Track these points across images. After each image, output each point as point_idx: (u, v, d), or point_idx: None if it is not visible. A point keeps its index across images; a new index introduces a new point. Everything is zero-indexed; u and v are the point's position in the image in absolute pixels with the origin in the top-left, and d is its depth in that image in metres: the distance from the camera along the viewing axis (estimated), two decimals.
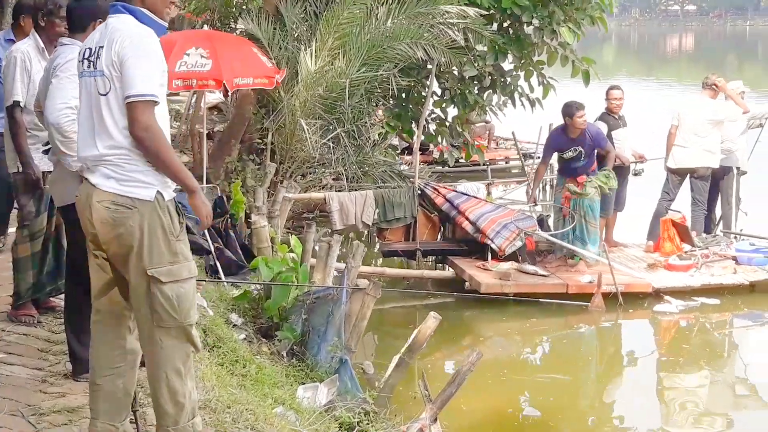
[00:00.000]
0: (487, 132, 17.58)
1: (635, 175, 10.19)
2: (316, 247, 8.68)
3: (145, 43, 3.58)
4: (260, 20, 11.35)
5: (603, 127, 10.05)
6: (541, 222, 10.01)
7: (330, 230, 10.04)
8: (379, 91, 11.64)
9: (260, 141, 11.78)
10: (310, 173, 11.50)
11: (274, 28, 11.28)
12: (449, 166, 15.13)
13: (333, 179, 11.54)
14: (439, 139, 14.35)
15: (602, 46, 67.75)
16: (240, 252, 8.51)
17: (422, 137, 13.24)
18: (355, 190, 11.05)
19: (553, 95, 13.51)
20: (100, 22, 4.08)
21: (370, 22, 11.34)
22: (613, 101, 10.27)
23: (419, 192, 10.24)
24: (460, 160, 15.49)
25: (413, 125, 14.02)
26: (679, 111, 10.33)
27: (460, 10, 11.39)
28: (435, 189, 10.22)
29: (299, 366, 6.42)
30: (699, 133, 10.12)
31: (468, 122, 15.58)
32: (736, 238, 10.21)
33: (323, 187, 11.82)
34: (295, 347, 6.84)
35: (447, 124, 14.20)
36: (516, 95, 13.79)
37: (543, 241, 9.86)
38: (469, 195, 10.22)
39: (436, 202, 10.14)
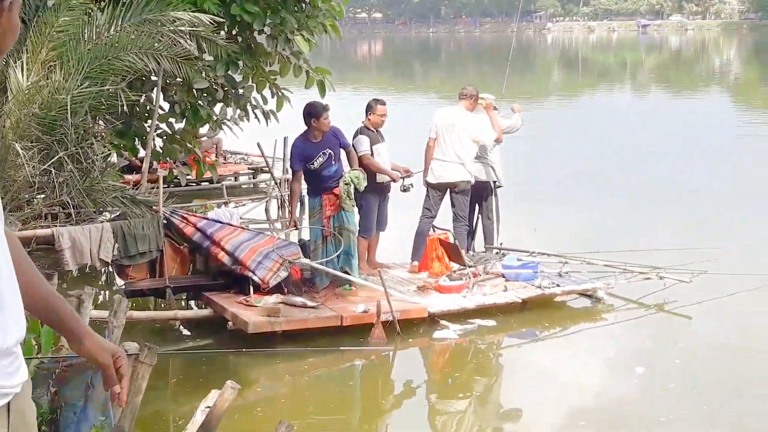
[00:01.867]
0: (215, 146, 16.47)
1: (404, 191, 9.61)
2: None
3: None
4: None
5: (365, 143, 9.42)
6: (304, 247, 9.15)
7: (63, 269, 8.63)
8: (104, 107, 10.24)
9: None
10: (28, 204, 9.90)
11: None
12: (181, 186, 13.96)
13: (61, 209, 10.02)
14: (167, 156, 13.22)
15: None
16: None
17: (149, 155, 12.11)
18: (84, 220, 9.64)
19: (288, 107, 12.83)
20: None
21: (90, 30, 9.97)
22: (381, 116, 9.61)
23: (164, 221, 9.06)
24: (187, 178, 14.39)
25: (137, 142, 12.82)
26: (436, 123, 9.89)
27: (192, 16, 10.31)
28: (183, 218, 9.07)
29: None
30: (458, 147, 9.75)
31: (198, 137, 14.51)
32: (500, 254, 9.94)
33: (44, 218, 10.26)
34: (43, 429, 5.51)
35: (176, 139, 13.08)
36: (249, 107, 12.97)
37: (308, 269, 9.03)
38: (222, 222, 9.17)
39: (185, 232, 9.00)
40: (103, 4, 10.85)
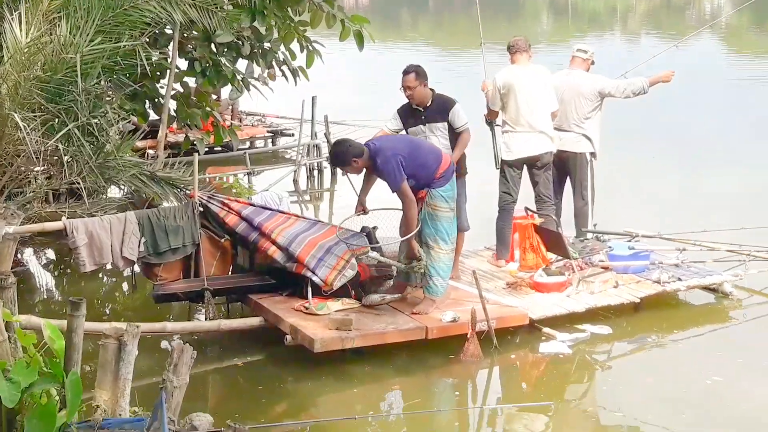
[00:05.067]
0: (230, 108, 14.72)
1: None
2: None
3: None
4: None
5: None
6: (369, 237, 7.51)
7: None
8: (119, 68, 8.52)
9: None
10: (29, 186, 8.23)
11: None
12: (199, 154, 12.24)
13: (67, 194, 8.40)
14: (185, 121, 11.54)
15: None
16: None
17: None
18: (102, 208, 8.02)
19: (319, 63, 11.15)
20: None
21: None
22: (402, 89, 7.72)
23: (201, 209, 7.41)
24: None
25: (147, 106, 11.14)
26: (504, 84, 8.09)
27: None
28: (224, 204, 7.42)
29: None
30: (538, 113, 8.06)
31: (217, 99, 12.83)
32: (598, 238, 8.31)
33: (49, 203, 8.60)
34: None
35: (192, 101, 11.39)
36: (275, 64, 11.28)
37: (375, 264, 7.41)
38: (271, 209, 7.52)
39: (227, 222, 7.37)
40: None
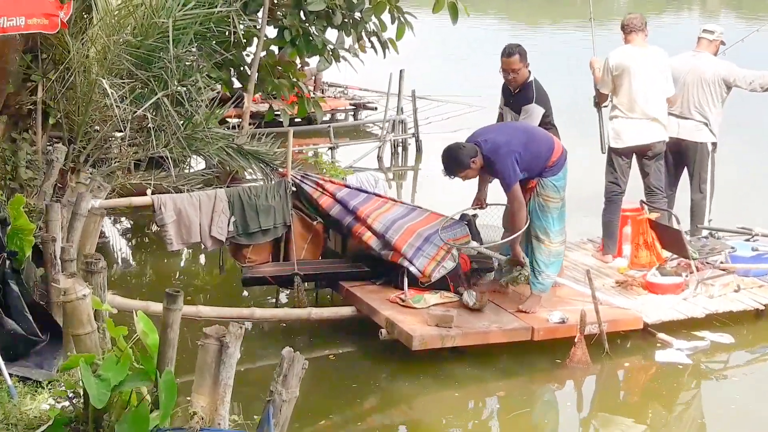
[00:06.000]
0: (313, 78, 14.26)
1: None
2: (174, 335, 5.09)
3: None
4: None
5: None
6: (469, 225, 7.01)
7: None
8: (211, 35, 8.13)
9: (35, 108, 7.92)
10: (116, 158, 7.89)
11: None
12: (281, 126, 11.83)
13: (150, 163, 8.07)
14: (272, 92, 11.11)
15: None
16: (30, 318, 5.02)
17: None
18: (189, 181, 7.68)
19: (410, 36, 10.60)
20: None
21: None
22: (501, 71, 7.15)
23: (293, 189, 7.00)
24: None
25: (232, 74, 10.75)
26: (617, 65, 7.47)
27: None
28: (318, 184, 6.99)
29: None
30: (653, 98, 7.44)
31: (301, 69, 12.34)
32: (712, 235, 7.69)
33: (131, 172, 8.28)
34: None
35: (277, 71, 10.94)
36: (365, 35, 10.77)
37: (475, 255, 6.92)
38: (367, 191, 7.07)
39: (320, 204, 6.94)
40: None
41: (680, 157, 7.84)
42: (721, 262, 7.11)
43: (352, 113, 15.08)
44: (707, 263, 7.14)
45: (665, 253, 7.19)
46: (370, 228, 6.73)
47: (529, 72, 6.98)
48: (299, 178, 7.01)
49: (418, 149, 12.81)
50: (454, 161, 6.20)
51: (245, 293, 7.38)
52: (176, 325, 4.16)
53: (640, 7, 39.80)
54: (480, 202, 6.65)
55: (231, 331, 3.85)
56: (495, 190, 6.65)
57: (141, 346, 4.29)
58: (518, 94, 6.97)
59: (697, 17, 38.03)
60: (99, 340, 4.56)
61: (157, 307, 6.22)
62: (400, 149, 12.96)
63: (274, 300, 7.28)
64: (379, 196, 7.04)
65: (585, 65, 8.00)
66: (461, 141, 6.35)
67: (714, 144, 7.77)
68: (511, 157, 6.09)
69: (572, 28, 26.65)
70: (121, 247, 9.29)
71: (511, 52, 6.95)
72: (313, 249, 7.04)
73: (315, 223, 7.00)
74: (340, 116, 15.05)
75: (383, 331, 6.24)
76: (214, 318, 6.40)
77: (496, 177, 6.29)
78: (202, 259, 8.64)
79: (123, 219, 9.72)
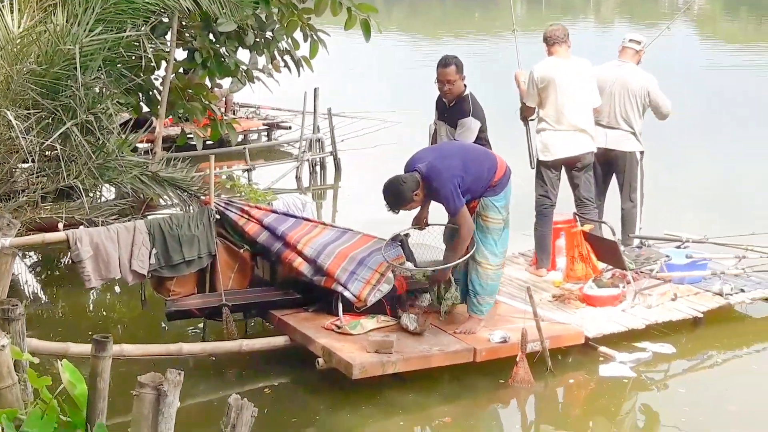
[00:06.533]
0: (224, 99, 13.90)
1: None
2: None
3: None
4: None
5: None
6: (402, 246, 6.79)
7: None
8: (120, 60, 7.75)
9: None
10: (23, 192, 7.44)
11: None
12: (194, 150, 11.47)
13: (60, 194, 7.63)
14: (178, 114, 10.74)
15: None
16: None
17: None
18: (102, 213, 7.27)
19: (323, 54, 10.38)
20: None
21: None
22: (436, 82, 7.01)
23: (217, 216, 6.68)
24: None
25: (141, 98, 10.34)
26: (541, 77, 7.40)
27: None
28: (243, 210, 6.68)
29: None
30: (580, 110, 7.39)
31: (212, 90, 11.98)
32: (643, 244, 7.65)
33: (43, 208, 7.82)
34: None
35: (187, 93, 10.58)
36: (277, 54, 10.51)
37: (410, 276, 6.71)
38: (296, 216, 6.79)
39: (246, 231, 6.63)
40: None
41: (609, 167, 7.80)
42: (657, 272, 7.04)
43: (266, 133, 14.76)
44: (641, 272, 7.07)
45: (601, 265, 7.11)
46: (300, 254, 6.46)
47: (465, 85, 6.83)
48: (223, 205, 6.70)
49: (337, 167, 12.58)
50: (396, 197, 5.98)
51: (165, 326, 7.02)
52: (106, 374, 3.82)
53: (536, 18, 40.55)
54: (420, 222, 6.43)
55: (169, 378, 3.54)
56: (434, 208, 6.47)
57: (66, 396, 3.96)
58: (453, 107, 6.82)
59: (593, 26, 38.81)
60: (20, 393, 4.17)
61: (78, 348, 5.88)
62: (318, 168, 12.70)
63: (200, 333, 6.94)
64: (308, 220, 6.77)
65: (496, 75, 7.91)
66: (400, 173, 6.10)
67: (642, 153, 7.74)
68: (452, 181, 5.88)
69: (472, 40, 26.85)
70: (31, 283, 8.81)
71: (447, 62, 6.80)
72: (240, 278, 6.72)
73: (242, 251, 6.69)
74: (253, 137, 14.71)
75: (320, 360, 5.97)
76: (138, 356, 6.08)
77: (440, 203, 6.08)
78: (118, 290, 8.24)
79: (30, 252, 9.22)
